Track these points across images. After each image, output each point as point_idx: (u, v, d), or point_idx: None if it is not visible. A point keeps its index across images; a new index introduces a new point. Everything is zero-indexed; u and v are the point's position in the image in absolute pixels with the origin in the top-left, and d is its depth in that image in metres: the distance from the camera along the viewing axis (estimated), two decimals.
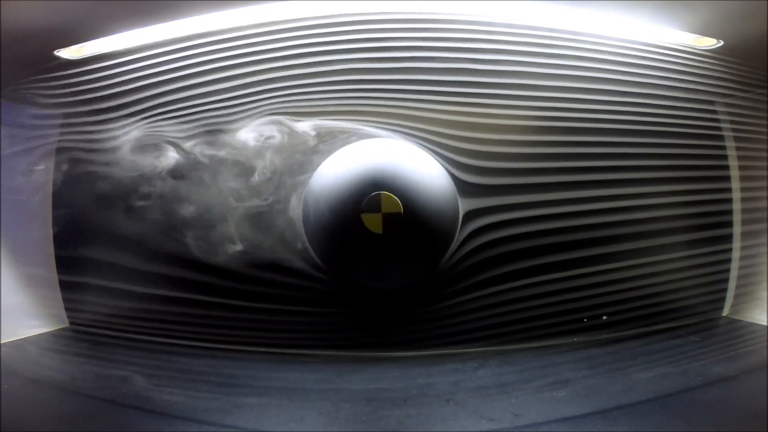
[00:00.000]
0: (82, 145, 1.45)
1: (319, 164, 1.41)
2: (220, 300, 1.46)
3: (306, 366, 1.35)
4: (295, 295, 1.45)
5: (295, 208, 1.41)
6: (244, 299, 1.46)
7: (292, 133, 1.40)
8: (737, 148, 1.56)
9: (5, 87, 1.39)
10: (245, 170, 1.40)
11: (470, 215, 1.44)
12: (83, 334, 1.53)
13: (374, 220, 1.35)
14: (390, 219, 1.34)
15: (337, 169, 1.39)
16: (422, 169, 1.41)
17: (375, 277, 1.43)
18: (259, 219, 1.40)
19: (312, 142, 1.41)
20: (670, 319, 1.53)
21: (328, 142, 1.41)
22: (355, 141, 1.41)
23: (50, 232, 1.54)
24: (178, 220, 1.42)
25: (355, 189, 1.35)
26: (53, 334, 1.54)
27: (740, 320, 1.56)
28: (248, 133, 1.39)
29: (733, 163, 1.57)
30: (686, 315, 1.55)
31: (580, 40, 1.37)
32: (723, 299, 1.60)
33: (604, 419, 0.95)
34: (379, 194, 1.34)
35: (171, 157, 1.41)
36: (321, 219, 1.38)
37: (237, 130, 1.40)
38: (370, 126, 1.42)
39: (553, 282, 1.46)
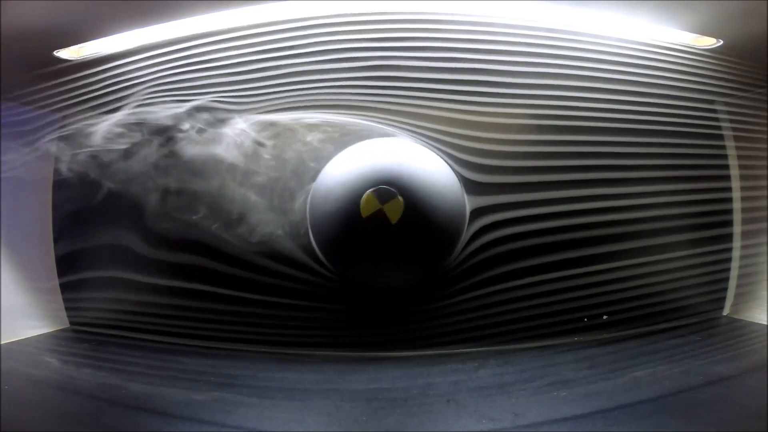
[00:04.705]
0: (81, 144, 1.45)
1: (327, 161, 1.41)
2: (219, 291, 1.47)
3: (306, 366, 1.35)
4: (297, 292, 1.45)
5: (303, 203, 1.41)
6: (246, 294, 1.46)
7: (300, 130, 1.40)
8: (737, 148, 1.56)
9: (4, 87, 1.39)
10: (251, 167, 1.40)
11: (476, 213, 1.45)
12: (84, 334, 1.53)
13: (392, 208, 1.32)
14: (381, 197, 1.32)
15: (345, 167, 1.39)
16: (429, 167, 1.40)
17: (382, 275, 1.43)
18: (264, 214, 1.40)
19: (319, 139, 1.41)
20: (671, 318, 1.53)
21: (335, 138, 1.41)
22: (362, 138, 1.41)
23: (50, 232, 1.54)
24: (179, 219, 1.42)
25: (362, 187, 1.34)
26: (53, 335, 1.53)
27: (741, 320, 1.56)
28: (252, 132, 1.39)
29: (733, 162, 1.57)
30: (687, 314, 1.55)
31: (581, 40, 1.38)
32: (723, 299, 1.60)
33: (604, 419, 0.95)
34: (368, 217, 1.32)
35: (172, 154, 1.41)
36: (328, 216, 1.38)
37: (241, 128, 1.40)
38: (377, 123, 1.42)
39: (554, 281, 1.46)
